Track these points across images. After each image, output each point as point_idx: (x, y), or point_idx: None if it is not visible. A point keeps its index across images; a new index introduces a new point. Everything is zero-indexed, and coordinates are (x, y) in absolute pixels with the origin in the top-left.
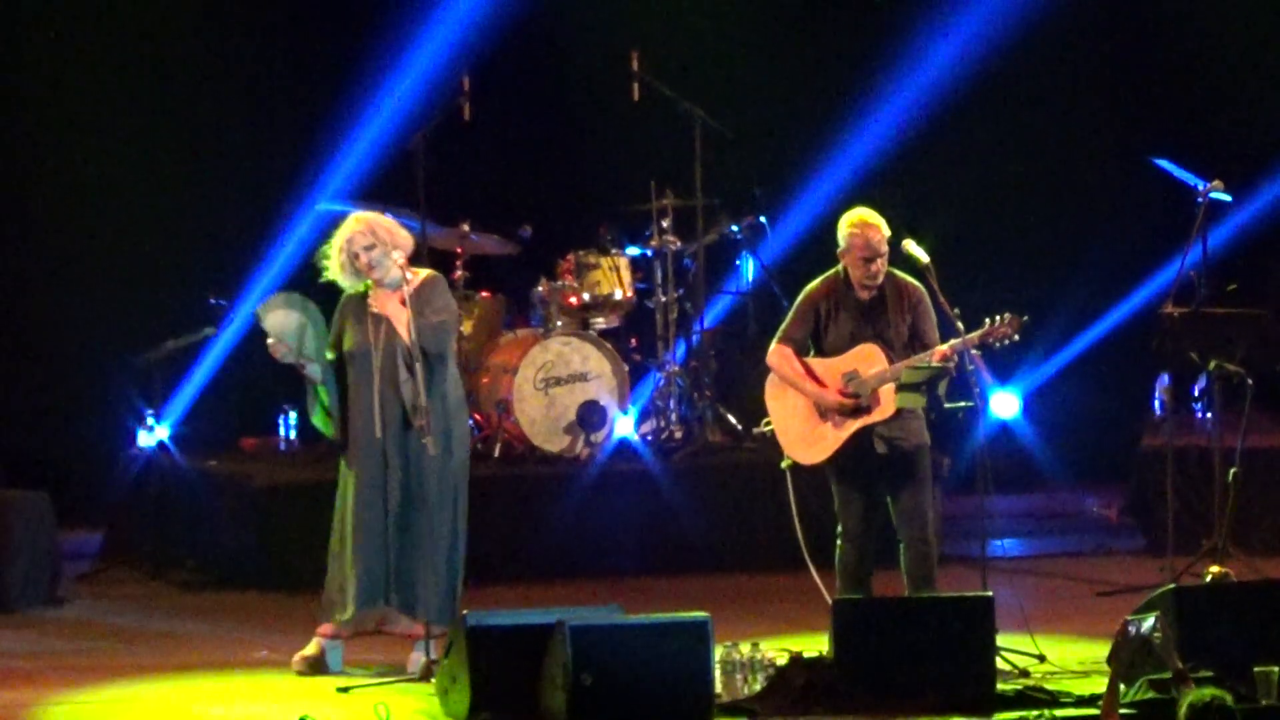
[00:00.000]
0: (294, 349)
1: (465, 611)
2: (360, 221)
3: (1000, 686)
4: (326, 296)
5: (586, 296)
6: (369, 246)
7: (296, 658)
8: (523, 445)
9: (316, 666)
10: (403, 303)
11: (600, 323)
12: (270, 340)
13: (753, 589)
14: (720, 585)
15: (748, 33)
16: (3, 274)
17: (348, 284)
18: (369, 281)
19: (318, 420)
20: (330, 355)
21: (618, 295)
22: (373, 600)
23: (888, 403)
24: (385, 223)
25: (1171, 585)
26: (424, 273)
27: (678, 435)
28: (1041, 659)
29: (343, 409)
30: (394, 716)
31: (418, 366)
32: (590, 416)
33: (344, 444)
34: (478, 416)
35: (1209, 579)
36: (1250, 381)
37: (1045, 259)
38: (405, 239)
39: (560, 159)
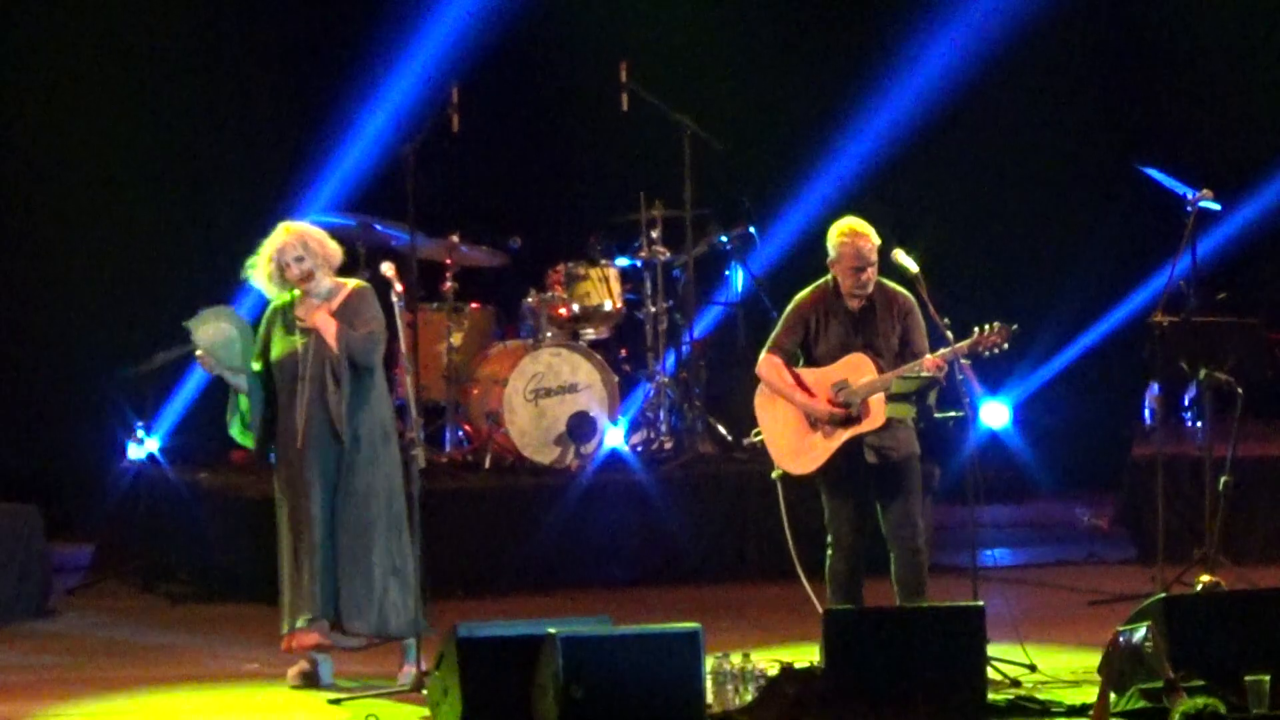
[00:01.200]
0: (222, 361)
1: (457, 623)
2: (291, 232)
3: (991, 696)
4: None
5: (576, 307)
6: (299, 258)
7: (291, 673)
8: (513, 456)
9: (311, 679)
10: (330, 314)
11: (590, 334)
12: (199, 353)
13: (744, 599)
14: (711, 596)
15: (737, 43)
16: None
17: (273, 293)
18: (295, 291)
19: (234, 431)
20: (256, 365)
21: (607, 306)
22: (315, 611)
23: (878, 412)
24: (315, 234)
25: (1162, 594)
26: (352, 283)
27: (668, 446)
28: (1033, 668)
29: (269, 419)
30: None
31: (344, 378)
32: (580, 427)
33: (263, 454)
34: (467, 428)
35: (1200, 588)
36: (1240, 390)
37: (1035, 268)
38: (334, 251)
39: (549, 170)
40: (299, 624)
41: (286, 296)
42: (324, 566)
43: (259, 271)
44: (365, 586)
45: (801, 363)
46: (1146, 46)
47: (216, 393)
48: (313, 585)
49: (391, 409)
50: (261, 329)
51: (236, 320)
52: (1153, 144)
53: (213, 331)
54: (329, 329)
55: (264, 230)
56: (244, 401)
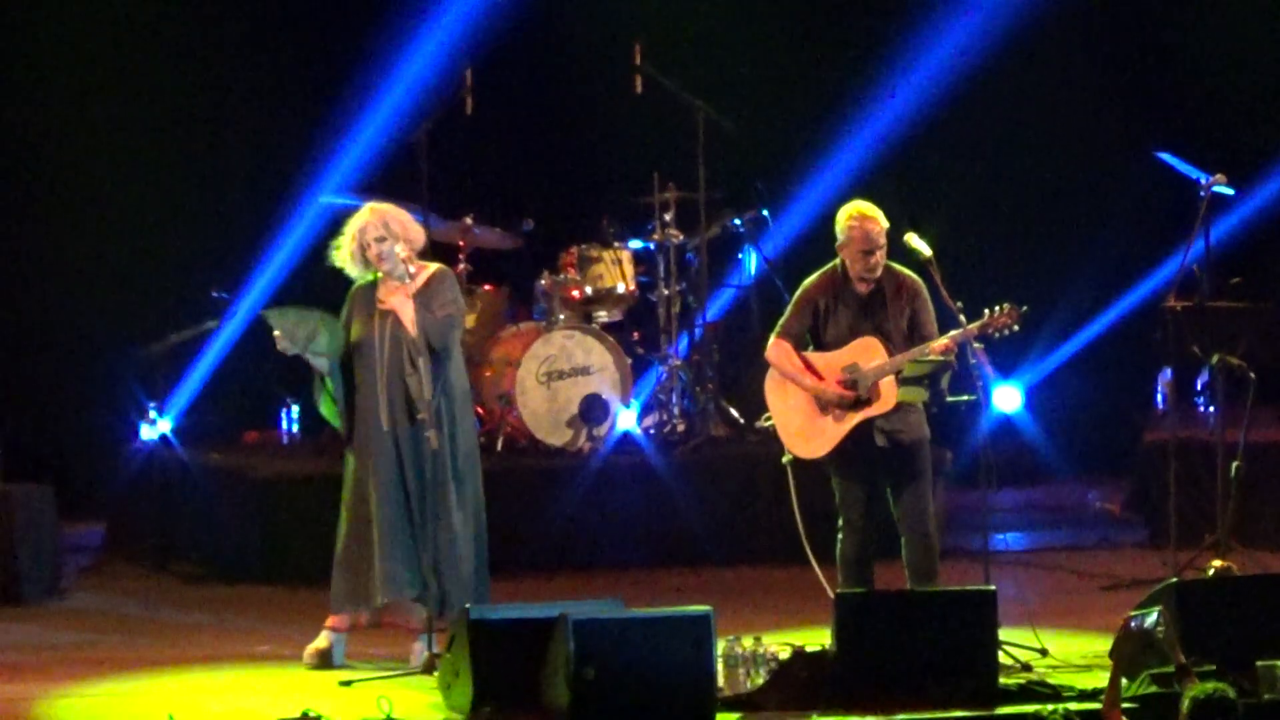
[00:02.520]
0: (300, 344)
1: (467, 605)
2: (374, 212)
3: (1003, 680)
4: (333, 289)
5: (589, 290)
6: (380, 238)
7: (308, 651)
8: (525, 439)
9: (326, 659)
10: (409, 297)
11: (603, 316)
12: (277, 333)
13: (755, 583)
14: (722, 579)
15: (750, 25)
16: (5, 267)
17: (355, 273)
18: (378, 272)
19: (325, 410)
20: (338, 345)
21: (620, 289)
22: (398, 590)
23: (888, 395)
24: (399, 215)
25: (1174, 579)
26: (433, 266)
27: (680, 429)
28: (1044, 653)
29: (349, 401)
30: (396, 710)
31: (421, 361)
32: (593, 410)
33: (350, 436)
34: (480, 410)
35: (1211, 573)
36: (1253, 375)
37: (1048, 252)
38: (417, 233)
39: (563, 152)
40: (377, 601)
41: (370, 277)
42: (417, 546)
43: (342, 250)
44: (455, 568)
45: (810, 347)
46: (1162, 30)
47: (229, 373)
48: (401, 563)
49: (469, 390)
50: (345, 310)
51: (322, 319)
52: (1166, 128)
53: (294, 318)
54: (406, 311)
55: (278, 210)
56: (329, 383)
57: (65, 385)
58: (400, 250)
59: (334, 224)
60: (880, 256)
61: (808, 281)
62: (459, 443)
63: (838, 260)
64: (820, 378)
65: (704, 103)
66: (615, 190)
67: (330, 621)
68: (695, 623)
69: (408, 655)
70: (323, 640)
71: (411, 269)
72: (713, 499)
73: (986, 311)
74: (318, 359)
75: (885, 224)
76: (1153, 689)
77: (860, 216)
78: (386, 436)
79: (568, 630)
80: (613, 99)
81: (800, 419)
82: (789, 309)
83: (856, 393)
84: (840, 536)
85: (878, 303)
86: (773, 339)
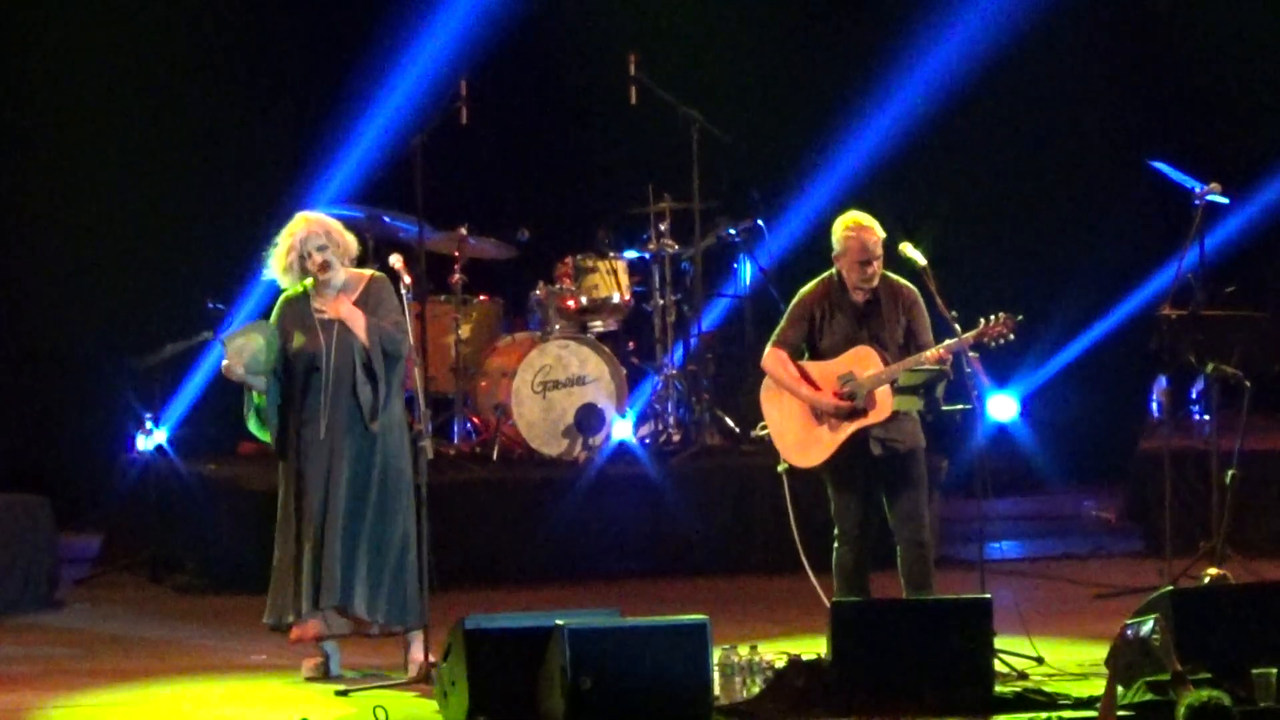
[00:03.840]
0: (248, 369)
1: (464, 615)
2: (312, 221)
3: (998, 688)
4: None
5: (584, 300)
6: (321, 246)
7: (307, 665)
8: (521, 448)
9: (324, 670)
10: (353, 305)
11: (598, 326)
12: (225, 363)
13: (751, 592)
14: (718, 588)
15: (745, 36)
16: (2, 278)
17: (287, 283)
18: (308, 282)
19: (252, 426)
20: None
21: (615, 298)
22: (317, 602)
23: (883, 404)
24: (336, 224)
25: (1169, 587)
26: (368, 273)
27: (676, 438)
28: (1040, 661)
29: (282, 411)
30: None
31: (378, 369)
32: (588, 420)
33: (282, 447)
34: (475, 419)
35: (1207, 581)
36: (1248, 384)
37: (1043, 261)
38: (353, 242)
39: (558, 162)
40: (305, 612)
41: (299, 288)
42: (343, 555)
43: (276, 260)
44: (391, 575)
45: (806, 356)
46: (1156, 40)
47: (225, 386)
48: (325, 574)
49: (403, 400)
50: (274, 320)
51: (267, 329)
52: (1161, 137)
53: (241, 343)
54: (357, 321)
55: (273, 221)
56: (260, 398)
57: (61, 396)
58: (342, 261)
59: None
60: (877, 267)
61: (803, 291)
62: (404, 450)
63: (833, 269)
64: (816, 387)
65: (699, 113)
66: (610, 200)
67: (293, 634)
68: (691, 632)
69: (404, 665)
70: (317, 654)
71: (347, 277)
72: (708, 508)
73: (982, 320)
74: (256, 379)
75: (882, 234)
76: (1149, 697)
77: (857, 227)
78: (323, 446)
79: (564, 640)
80: (608, 109)
81: (796, 428)
82: (785, 318)
83: (853, 402)
84: (836, 545)
85: (874, 312)
86: (769, 348)
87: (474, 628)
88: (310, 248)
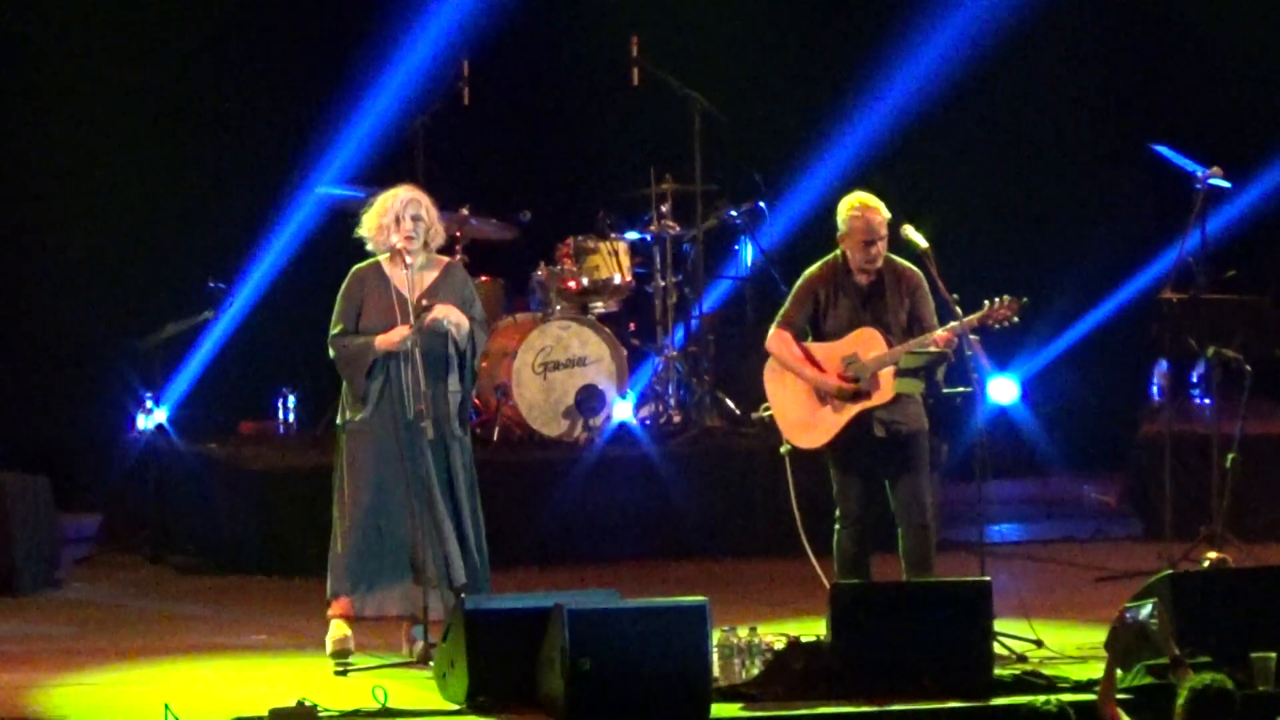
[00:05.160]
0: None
1: (463, 595)
2: (416, 192)
3: (998, 671)
4: (330, 277)
5: (585, 281)
6: (416, 217)
7: (333, 644)
8: (521, 429)
9: (349, 646)
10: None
11: (599, 307)
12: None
13: (751, 574)
14: (718, 570)
15: (747, 18)
16: (2, 259)
17: (375, 245)
18: (384, 256)
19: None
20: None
21: (616, 280)
22: (400, 578)
23: (887, 386)
24: (432, 205)
25: (1169, 571)
26: (445, 258)
27: (676, 420)
28: (1039, 644)
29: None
30: (392, 700)
31: (466, 365)
32: (589, 401)
33: (357, 422)
34: (477, 401)
35: (1206, 565)
36: (1248, 368)
37: (1044, 245)
38: (442, 229)
39: (559, 144)
40: (375, 589)
41: (373, 261)
42: (427, 536)
43: (369, 218)
44: (470, 558)
45: (810, 338)
46: (1157, 23)
47: (225, 364)
48: (405, 552)
49: None
50: (354, 293)
51: None
52: (1163, 121)
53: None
54: (456, 318)
55: (276, 201)
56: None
57: (61, 376)
58: (429, 240)
59: (334, 214)
60: (881, 247)
61: (808, 272)
62: (468, 436)
63: (838, 251)
64: (820, 369)
65: (700, 95)
66: (612, 182)
67: (337, 609)
68: (691, 614)
69: (403, 645)
70: (340, 628)
71: (426, 258)
72: (708, 490)
73: (986, 303)
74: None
75: (886, 215)
76: (1148, 680)
77: (862, 206)
78: (417, 426)
79: (563, 621)
80: (610, 91)
81: (799, 409)
82: (789, 299)
83: (856, 384)
84: (837, 528)
85: (878, 294)
86: (773, 329)
87: (473, 609)
88: (408, 213)
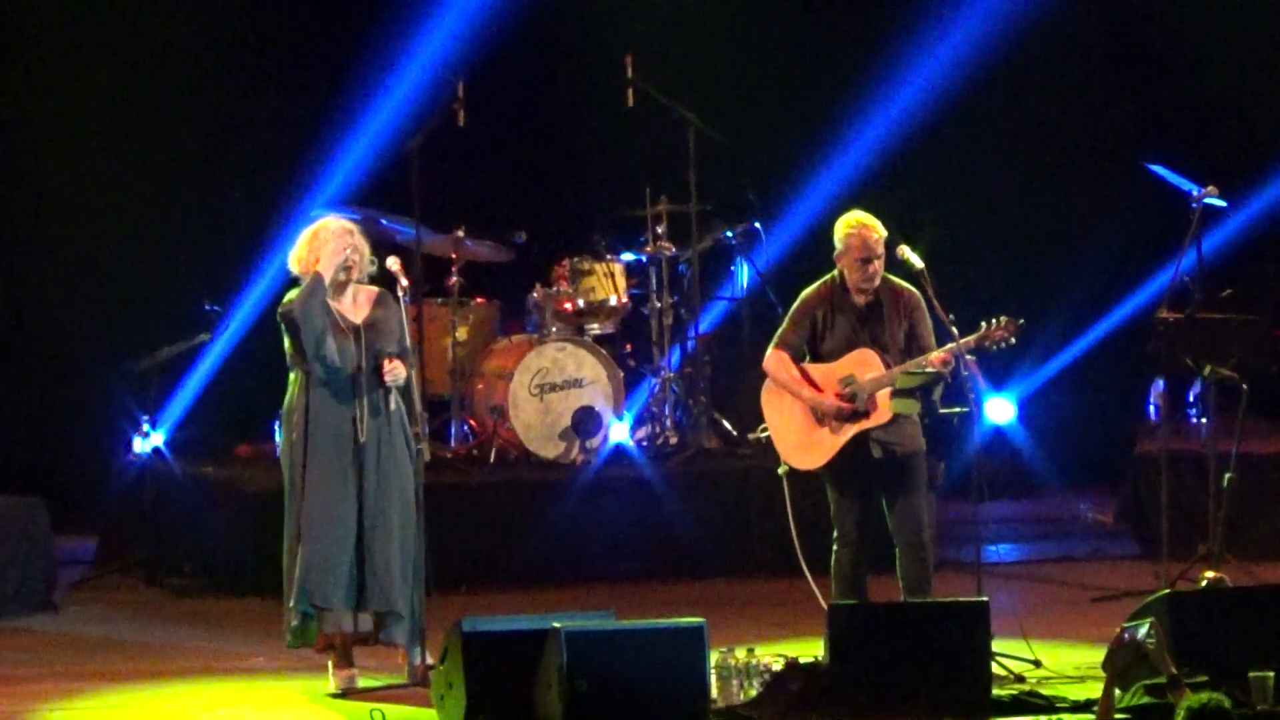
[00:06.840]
0: None
1: (461, 618)
2: (349, 224)
3: (996, 691)
4: None
5: (581, 302)
6: (354, 249)
7: (338, 683)
8: (518, 451)
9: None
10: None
11: (595, 328)
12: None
13: (748, 594)
14: (716, 591)
15: (742, 38)
16: None
17: (326, 270)
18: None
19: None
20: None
21: (612, 301)
22: (349, 603)
23: (884, 408)
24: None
25: (1166, 590)
26: (374, 289)
27: (673, 441)
28: (1037, 664)
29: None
30: None
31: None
32: (585, 422)
33: (305, 440)
34: (473, 422)
35: (1204, 584)
36: (1245, 386)
37: (1040, 264)
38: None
39: (555, 165)
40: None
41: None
42: (394, 561)
43: (312, 251)
44: (409, 584)
45: (808, 358)
46: (1153, 42)
47: (222, 387)
48: (376, 576)
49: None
50: (317, 321)
51: None
52: (1158, 140)
53: None
54: (401, 375)
55: (271, 223)
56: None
57: (58, 398)
58: (362, 272)
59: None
60: (878, 265)
61: (806, 292)
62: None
63: (835, 271)
64: (818, 389)
65: (696, 115)
66: (607, 203)
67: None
68: (688, 635)
69: (401, 668)
70: (343, 665)
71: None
72: (705, 511)
73: (983, 324)
74: None
75: (883, 233)
76: (1146, 700)
77: (859, 224)
78: (365, 450)
79: (560, 642)
80: (605, 112)
81: (797, 430)
82: (787, 320)
83: (854, 404)
84: (835, 548)
85: (875, 314)
86: (770, 350)
87: (471, 630)
88: (351, 243)
